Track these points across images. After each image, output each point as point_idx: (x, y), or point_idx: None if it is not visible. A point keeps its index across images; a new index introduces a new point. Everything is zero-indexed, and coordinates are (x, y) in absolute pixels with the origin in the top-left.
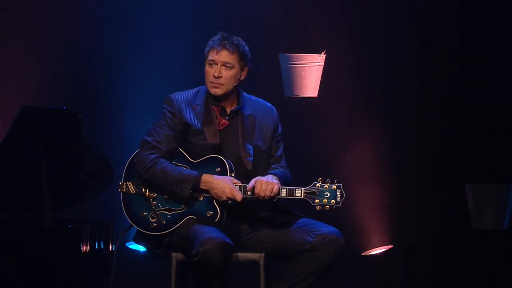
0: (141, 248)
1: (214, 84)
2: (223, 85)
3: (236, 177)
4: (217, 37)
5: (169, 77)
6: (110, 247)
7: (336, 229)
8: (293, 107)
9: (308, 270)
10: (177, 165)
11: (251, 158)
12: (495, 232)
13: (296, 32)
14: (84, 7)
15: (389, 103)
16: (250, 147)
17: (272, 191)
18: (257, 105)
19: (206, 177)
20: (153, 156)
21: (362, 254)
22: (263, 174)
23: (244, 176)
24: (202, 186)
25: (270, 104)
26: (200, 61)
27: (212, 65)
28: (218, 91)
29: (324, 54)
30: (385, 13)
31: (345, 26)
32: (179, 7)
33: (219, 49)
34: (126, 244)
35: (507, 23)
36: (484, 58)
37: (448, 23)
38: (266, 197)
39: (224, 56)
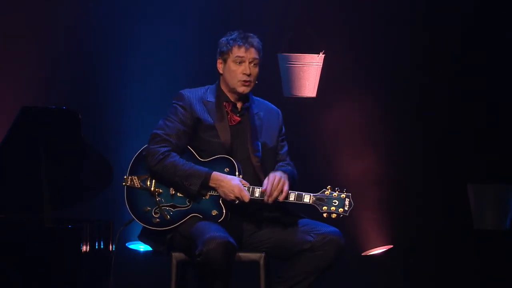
0: (141, 248)
1: (244, 82)
2: (252, 82)
3: (245, 173)
4: (237, 35)
5: (169, 77)
6: (110, 247)
7: (336, 229)
8: (291, 107)
9: (308, 270)
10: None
11: (259, 154)
12: (496, 232)
13: (295, 32)
14: (84, 7)
15: (388, 103)
16: (258, 143)
17: (282, 190)
18: (264, 106)
19: (216, 175)
20: (164, 149)
21: (362, 254)
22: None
23: (251, 174)
24: (211, 184)
25: (276, 107)
26: (201, 61)
27: (240, 63)
28: (246, 89)
29: (323, 54)
30: (385, 13)
31: (344, 26)
32: (179, 8)
33: (247, 46)
34: (126, 244)
35: (507, 23)
36: (484, 58)
37: (448, 23)
38: (276, 197)
39: (253, 53)
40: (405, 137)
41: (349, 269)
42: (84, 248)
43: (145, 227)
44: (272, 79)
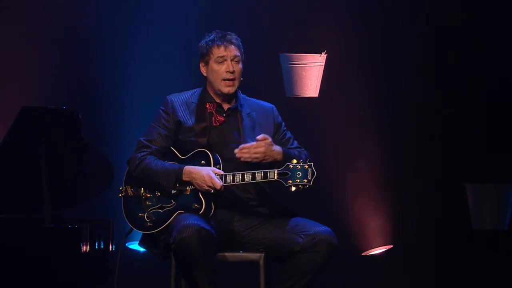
0: (141, 248)
1: (228, 82)
2: (236, 80)
3: (236, 172)
4: (215, 35)
5: (170, 78)
6: (110, 247)
7: (327, 229)
8: (293, 107)
9: (300, 271)
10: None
11: None
12: (495, 232)
13: (297, 32)
14: (84, 7)
15: (389, 103)
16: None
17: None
18: (257, 105)
19: (188, 168)
20: (141, 154)
21: (362, 254)
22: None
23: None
24: (185, 178)
25: (269, 104)
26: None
27: (222, 62)
28: (232, 89)
29: (325, 54)
30: (386, 13)
31: (346, 26)
32: (179, 8)
33: (226, 44)
34: (126, 244)
35: (507, 23)
36: (484, 58)
37: (448, 23)
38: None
39: (233, 50)
40: (405, 137)
41: (349, 269)
42: (84, 248)
43: (141, 232)
44: (274, 79)
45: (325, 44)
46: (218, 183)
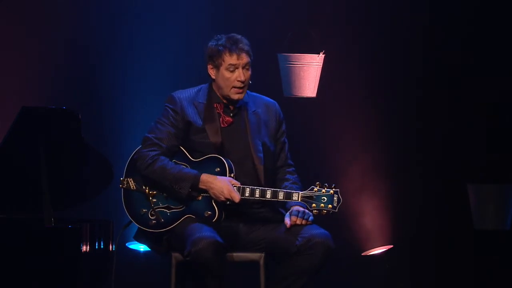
0: (141, 248)
1: (238, 90)
2: (246, 86)
3: (243, 174)
4: (226, 40)
5: (170, 77)
6: (110, 247)
7: (324, 231)
8: (292, 107)
9: (296, 272)
10: (177, 163)
11: (261, 155)
12: (497, 232)
13: (295, 32)
14: (84, 7)
15: (389, 103)
16: (259, 142)
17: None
18: (260, 101)
19: (205, 176)
20: (154, 153)
21: (362, 254)
22: (270, 174)
23: (251, 174)
24: (201, 186)
25: (272, 100)
26: (202, 61)
27: (233, 70)
28: (241, 96)
29: (323, 54)
30: (385, 13)
31: (344, 26)
32: (179, 8)
33: (238, 52)
34: (126, 244)
35: (507, 23)
36: (484, 58)
37: (448, 22)
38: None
39: (244, 58)
40: (405, 136)
41: (349, 269)
42: (84, 248)
43: (142, 229)
44: (272, 79)
45: (323, 44)
46: (237, 196)
